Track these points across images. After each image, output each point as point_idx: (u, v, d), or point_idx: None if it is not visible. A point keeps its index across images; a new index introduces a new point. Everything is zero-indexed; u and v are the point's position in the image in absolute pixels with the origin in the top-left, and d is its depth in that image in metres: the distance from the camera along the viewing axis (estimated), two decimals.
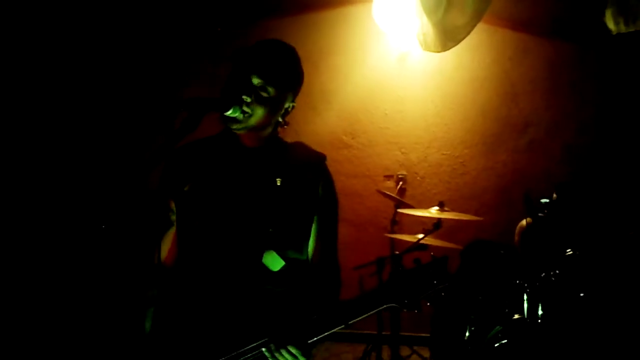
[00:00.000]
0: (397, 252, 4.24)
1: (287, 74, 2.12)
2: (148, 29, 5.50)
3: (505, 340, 3.58)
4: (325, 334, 1.91)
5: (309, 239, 2.13)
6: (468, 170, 5.47)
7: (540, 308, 3.58)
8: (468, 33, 4.00)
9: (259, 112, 2.03)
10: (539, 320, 3.57)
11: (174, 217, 2.14)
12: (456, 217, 4.22)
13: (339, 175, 5.35)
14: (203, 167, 2.11)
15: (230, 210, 2.05)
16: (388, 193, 4.86)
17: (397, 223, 4.93)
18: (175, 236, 2.15)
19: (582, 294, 3.58)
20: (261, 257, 2.03)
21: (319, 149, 2.28)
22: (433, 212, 4.13)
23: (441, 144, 5.50)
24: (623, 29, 3.98)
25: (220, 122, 2.07)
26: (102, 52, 5.45)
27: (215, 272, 2.03)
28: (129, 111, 5.49)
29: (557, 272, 3.61)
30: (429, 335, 4.53)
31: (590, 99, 5.37)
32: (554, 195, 4.27)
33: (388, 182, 5.50)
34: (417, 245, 4.12)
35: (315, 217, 2.13)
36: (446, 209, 4.14)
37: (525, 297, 3.64)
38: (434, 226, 4.13)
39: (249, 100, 2.00)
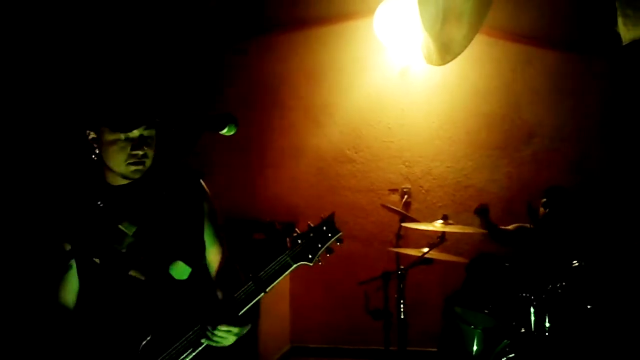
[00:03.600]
0: (402, 267, 4.21)
1: None
2: (142, 47, 5.51)
3: (513, 354, 3.55)
4: (251, 303, 2.14)
5: (204, 247, 2.39)
6: (472, 183, 5.45)
7: (547, 320, 3.55)
8: (465, 47, 3.99)
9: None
10: (546, 333, 3.54)
11: (72, 261, 2.30)
12: (460, 230, 4.20)
13: (344, 190, 5.48)
14: (87, 205, 2.27)
15: (124, 241, 2.23)
16: (393, 207, 4.84)
17: (402, 237, 4.89)
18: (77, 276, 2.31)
19: (589, 306, 3.55)
20: (167, 268, 2.24)
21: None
22: (437, 225, 4.10)
23: (445, 157, 5.49)
24: (633, 35, 3.96)
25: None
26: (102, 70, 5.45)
27: (125, 300, 2.21)
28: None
29: (564, 283, 3.58)
30: (436, 350, 4.50)
31: (594, 109, 5.35)
32: (543, 200, 4.33)
33: (393, 196, 5.49)
34: (423, 259, 4.09)
35: (208, 227, 2.39)
36: (450, 221, 4.11)
37: (532, 310, 3.61)
38: (439, 239, 4.10)
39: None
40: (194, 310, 2.20)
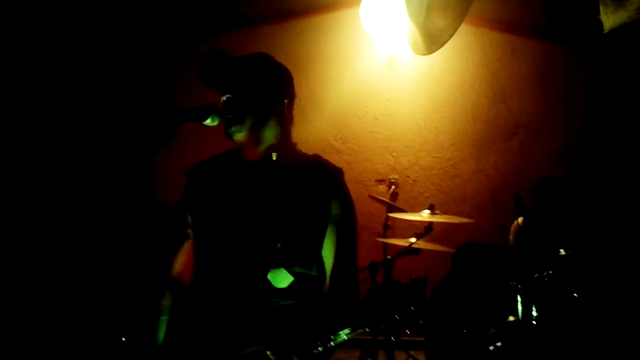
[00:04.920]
0: (389, 257, 4.21)
1: (230, 77, 2.19)
2: (127, 38, 5.47)
3: (500, 342, 3.56)
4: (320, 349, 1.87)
5: (318, 255, 2.09)
6: (459, 172, 5.46)
7: (534, 309, 3.57)
8: (450, 36, 3.98)
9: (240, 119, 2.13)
10: (533, 322, 3.55)
11: (190, 231, 2.20)
12: (446, 220, 4.21)
13: None
14: (217, 182, 2.18)
15: (240, 225, 2.08)
16: (380, 197, 4.84)
17: (390, 227, 4.89)
18: (193, 249, 2.20)
19: (575, 294, 3.56)
20: (267, 271, 2.02)
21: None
22: (424, 215, 4.11)
23: (432, 147, 5.50)
24: (612, 22, 3.97)
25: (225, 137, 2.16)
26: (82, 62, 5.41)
27: (223, 284, 2.06)
28: (117, 120, 5.43)
29: (550, 272, 3.60)
30: (424, 339, 4.51)
31: (580, 99, 5.37)
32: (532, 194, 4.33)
33: (380, 186, 5.49)
34: (409, 249, 4.09)
35: (329, 234, 2.09)
36: (436, 211, 4.12)
37: (519, 298, 3.62)
38: (425, 229, 4.10)
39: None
40: (277, 325, 1.98)
